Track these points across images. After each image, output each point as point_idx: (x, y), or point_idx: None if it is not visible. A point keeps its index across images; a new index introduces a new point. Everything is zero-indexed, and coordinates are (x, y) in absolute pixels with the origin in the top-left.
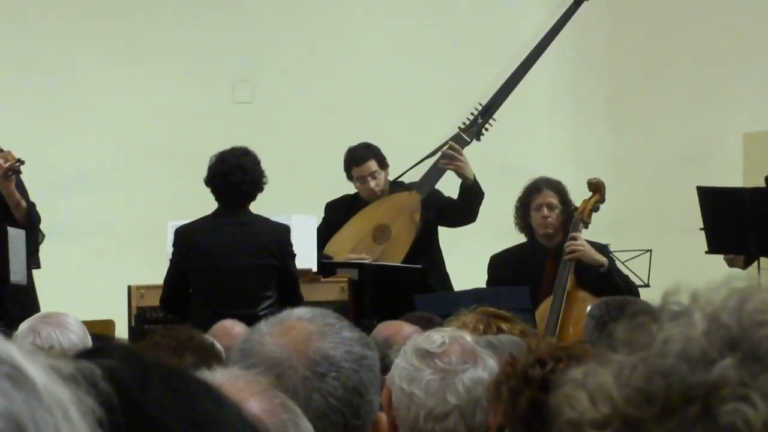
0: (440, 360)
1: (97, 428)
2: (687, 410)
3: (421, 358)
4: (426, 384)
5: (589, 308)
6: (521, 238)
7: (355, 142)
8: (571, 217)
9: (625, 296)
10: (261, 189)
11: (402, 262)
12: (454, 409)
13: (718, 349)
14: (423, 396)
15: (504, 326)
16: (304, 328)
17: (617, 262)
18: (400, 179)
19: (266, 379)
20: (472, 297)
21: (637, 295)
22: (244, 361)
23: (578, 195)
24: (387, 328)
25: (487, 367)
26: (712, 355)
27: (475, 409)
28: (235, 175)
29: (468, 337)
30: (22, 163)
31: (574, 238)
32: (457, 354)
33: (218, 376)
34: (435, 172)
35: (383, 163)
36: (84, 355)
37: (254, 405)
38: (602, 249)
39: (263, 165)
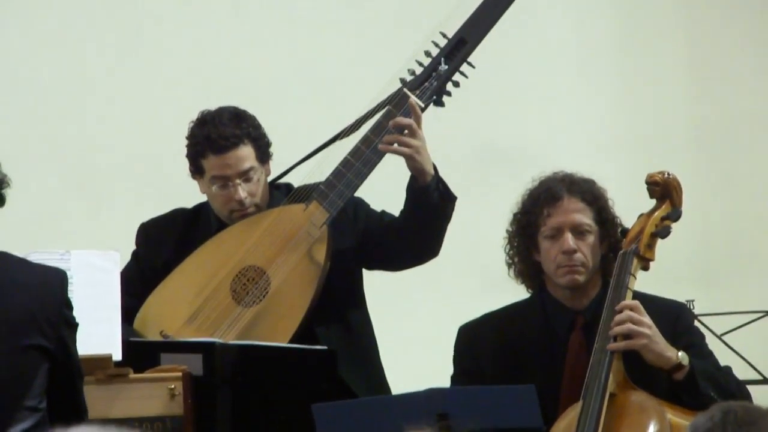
0: None
1: None
2: None
3: None
4: None
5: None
6: (521, 292)
7: (201, 104)
8: (616, 248)
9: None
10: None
11: (293, 339)
12: None
13: None
14: None
15: None
16: None
17: (709, 337)
18: (282, 180)
19: None
20: (420, 405)
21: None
22: None
23: (629, 206)
24: None
25: None
26: None
27: None
28: None
29: None
30: None
31: (627, 308)
32: None
33: None
34: (359, 165)
35: (265, 153)
36: None
37: None
38: (677, 313)
39: None
